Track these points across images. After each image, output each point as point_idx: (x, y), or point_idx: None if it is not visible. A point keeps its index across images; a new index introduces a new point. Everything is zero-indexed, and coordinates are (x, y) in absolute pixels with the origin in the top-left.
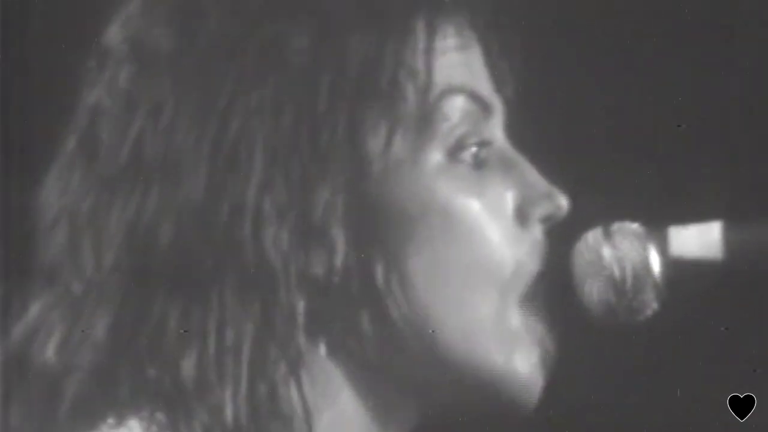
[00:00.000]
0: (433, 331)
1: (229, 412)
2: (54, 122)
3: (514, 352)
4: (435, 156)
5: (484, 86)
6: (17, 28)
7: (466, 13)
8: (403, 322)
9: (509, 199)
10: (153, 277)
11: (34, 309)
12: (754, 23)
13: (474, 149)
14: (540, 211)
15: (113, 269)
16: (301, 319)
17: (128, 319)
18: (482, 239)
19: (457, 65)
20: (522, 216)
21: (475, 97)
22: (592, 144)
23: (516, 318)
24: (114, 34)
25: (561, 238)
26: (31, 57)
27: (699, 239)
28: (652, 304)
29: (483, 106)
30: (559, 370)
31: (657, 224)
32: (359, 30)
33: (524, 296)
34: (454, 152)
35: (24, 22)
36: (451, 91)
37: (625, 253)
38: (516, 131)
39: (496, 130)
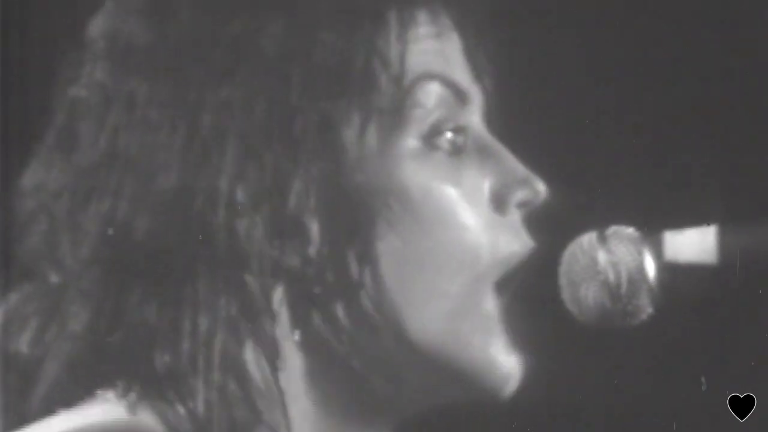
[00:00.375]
0: None
1: (200, 401)
2: (33, 116)
3: (491, 340)
4: (410, 143)
5: (460, 74)
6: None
7: (438, 4)
8: (378, 311)
9: (486, 185)
10: (129, 269)
11: (12, 300)
12: (753, 25)
13: (450, 135)
14: (517, 196)
15: (90, 262)
16: (275, 308)
17: (105, 311)
18: (458, 226)
19: (431, 53)
20: (499, 201)
21: (449, 83)
22: (586, 147)
23: (491, 304)
24: (93, 28)
25: (555, 242)
26: (12, 51)
27: (694, 243)
28: (647, 309)
29: (458, 93)
30: (554, 373)
31: (652, 228)
32: (330, 21)
33: (500, 282)
34: (429, 138)
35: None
36: (424, 77)
37: (620, 258)
38: (506, 130)
39: (473, 116)
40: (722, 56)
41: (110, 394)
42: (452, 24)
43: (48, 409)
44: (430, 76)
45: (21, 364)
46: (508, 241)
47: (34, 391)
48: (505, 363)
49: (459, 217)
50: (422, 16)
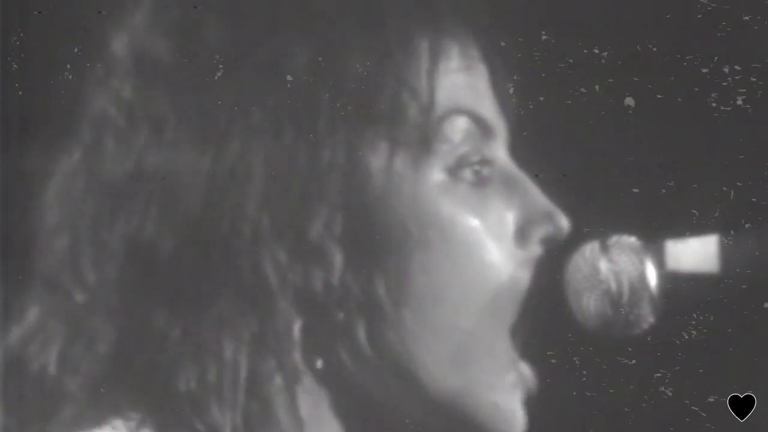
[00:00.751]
0: None
1: (226, 426)
2: (58, 130)
3: (501, 387)
4: (435, 174)
5: (488, 107)
6: (19, 31)
7: (470, 33)
8: (398, 342)
9: (510, 218)
10: (153, 290)
11: (33, 314)
12: (755, 36)
13: (476, 167)
14: (541, 231)
15: (115, 281)
16: (297, 335)
17: (131, 331)
18: (480, 260)
19: (461, 87)
20: (522, 236)
21: (477, 118)
22: (589, 157)
23: (505, 350)
24: (120, 44)
25: (558, 251)
26: (36, 63)
27: (695, 253)
28: (648, 318)
29: (485, 128)
30: (555, 382)
31: (654, 238)
32: (360, 50)
33: (516, 325)
34: (455, 171)
35: (26, 26)
36: (453, 112)
37: (622, 267)
38: (519, 152)
39: (498, 149)
40: (724, 65)
41: (118, 422)
42: (480, 56)
43: (70, 428)
44: (458, 111)
45: (46, 382)
46: (527, 278)
47: (58, 408)
48: (508, 409)
49: (482, 250)
50: (453, 50)
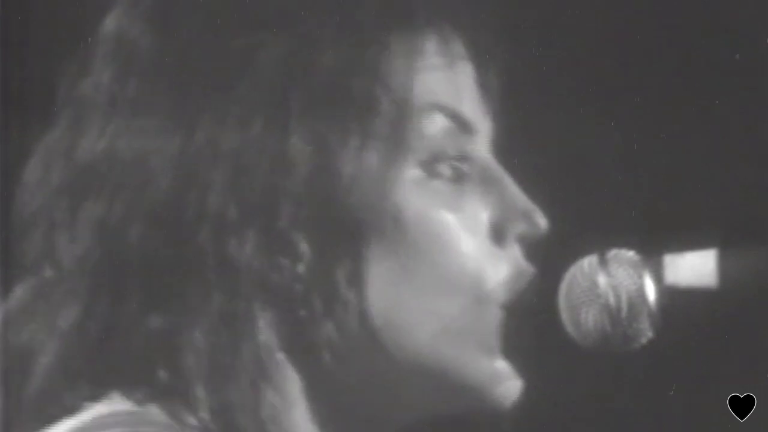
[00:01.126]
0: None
1: (205, 410)
2: (36, 112)
3: (494, 355)
4: (410, 169)
5: (469, 104)
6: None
7: (451, 28)
8: (367, 331)
9: (486, 215)
10: (121, 273)
11: (17, 293)
12: (757, 47)
13: (453, 163)
14: (516, 229)
15: (81, 261)
16: (262, 326)
17: (95, 313)
18: (456, 252)
19: (441, 82)
20: (498, 233)
21: (455, 115)
22: (587, 170)
23: (496, 323)
24: (105, 27)
25: (556, 265)
26: (16, 44)
27: (694, 267)
28: (647, 332)
29: (464, 125)
30: (554, 397)
31: (652, 252)
32: (331, 42)
33: (509, 303)
34: (429, 166)
35: (6, 6)
36: (429, 108)
37: (620, 281)
38: (508, 156)
39: (479, 146)
40: (722, 79)
41: (114, 394)
42: (464, 52)
43: (42, 404)
44: (436, 108)
45: (21, 357)
46: (506, 270)
47: (28, 384)
48: (505, 374)
49: (456, 243)
50: (431, 45)
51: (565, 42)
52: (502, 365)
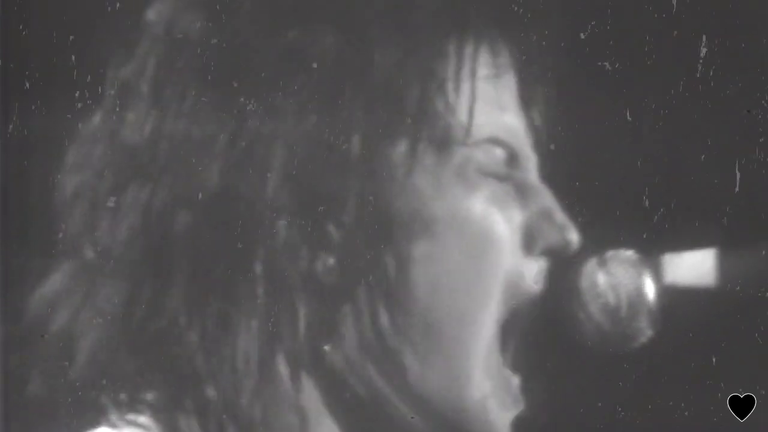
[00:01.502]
0: (412, 418)
1: (222, 403)
2: (77, 97)
3: (491, 392)
4: (455, 172)
5: (512, 119)
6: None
7: (499, 37)
8: (405, 327)
9: (520, 220)
10: (166, 261)
11: (55, 279)
12: (759, 50)
13: (496, 171)
14: (547, 241)
15: (126, 245)
16: (305, 320)
17: (140, 299)
18: (485, 255)
19: (486, 94)
20: (528, 241)
21: (508, 148)
22: (587, 170)
23: (495, 353)
24: (151, 12)
25: (556, 264)
26: (56, 27)
27: (693, 267)
28: (646, 331)
29: (509, 151)
30: (554, 396)
31: (651, 252)
32: (386, 43)
33: (506, 325)
34: (474, 172)
35: None
36: (486, 141)
37: (619, 281)
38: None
39: (522, 160)
40: (727, 80)
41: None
42: (510, 62)
43: (86, 383)
44: (493, 142)
45: (61, 340)
46: (525, 285)
47: (71, 367)
48: (496, 417)
49: (488, 246)
50: (482, 55)
51: (564, 41)
52: (490, 401)
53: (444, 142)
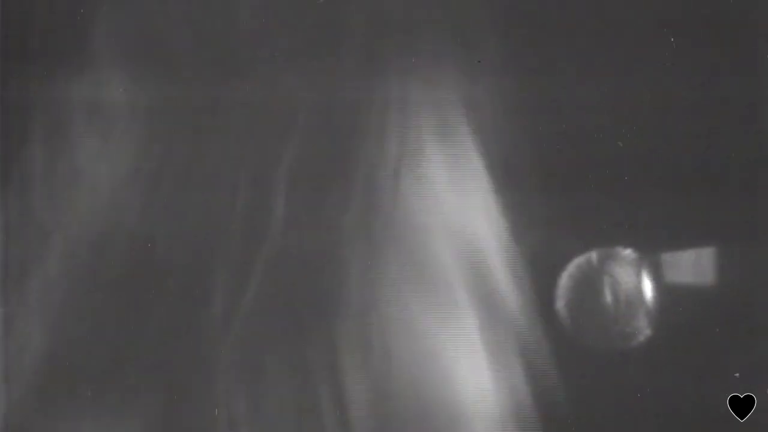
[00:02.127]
0: None
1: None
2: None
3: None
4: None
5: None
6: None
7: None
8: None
9: None
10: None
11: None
12: (757, 50)
13: None
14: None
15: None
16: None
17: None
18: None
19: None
20: None
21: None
22: (585, 168)
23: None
24: None
25: (554, 263)
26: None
27: (692, 265)
28: (645, 330)
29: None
30: (550, 394)
31: (650, 250)
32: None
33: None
34: None
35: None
36: None
37: (618, 279)
38: (508, 152)
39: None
40: (725, 80)
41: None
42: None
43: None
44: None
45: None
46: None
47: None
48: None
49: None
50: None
51: (561, 40)
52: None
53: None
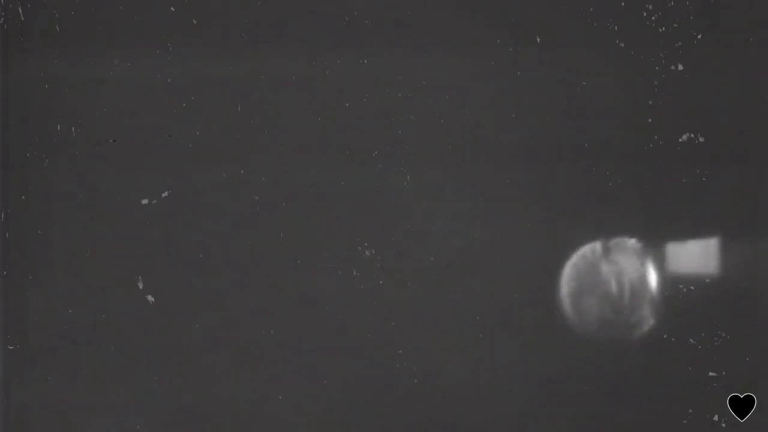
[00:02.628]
0: None
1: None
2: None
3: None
4: None
5: None
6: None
7: None
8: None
9: None
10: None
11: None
12: (749, 45)
13: None
14: None
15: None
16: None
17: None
18: None
19: None
20: None
21: None
22: (589, 158)
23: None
24: None
25: (558, 253)
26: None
27: (696, 255)
28: (649, 320)
29: None
30: (556, 384)
31: (654, 240)
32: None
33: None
34: None
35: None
36: None
37: (622, 269)
38: (510, 141)
39: None
40: (721, 73)
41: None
42: None
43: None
44: None
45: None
46: None
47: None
48: None
49: None
50: None
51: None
52: None
53: None
